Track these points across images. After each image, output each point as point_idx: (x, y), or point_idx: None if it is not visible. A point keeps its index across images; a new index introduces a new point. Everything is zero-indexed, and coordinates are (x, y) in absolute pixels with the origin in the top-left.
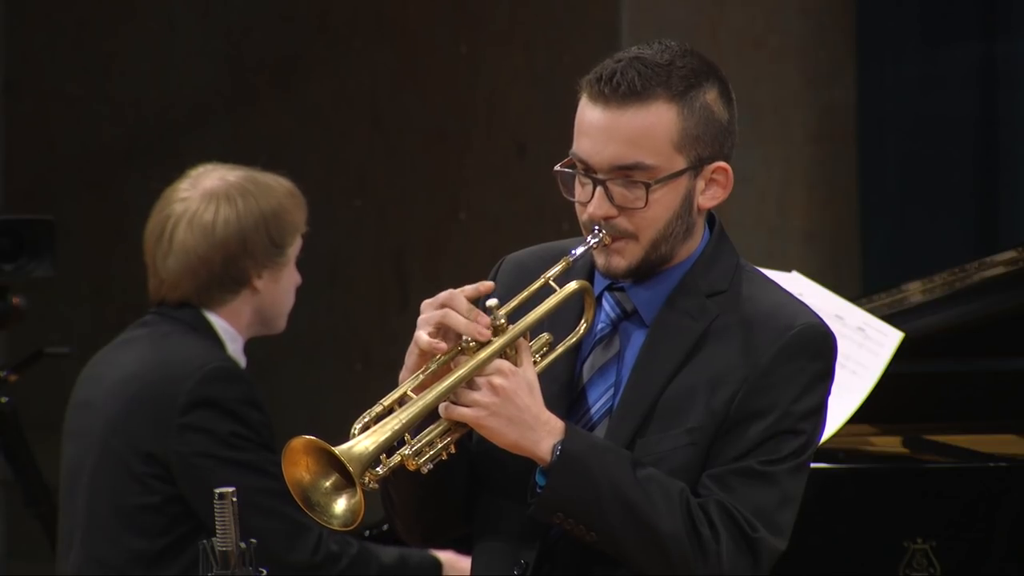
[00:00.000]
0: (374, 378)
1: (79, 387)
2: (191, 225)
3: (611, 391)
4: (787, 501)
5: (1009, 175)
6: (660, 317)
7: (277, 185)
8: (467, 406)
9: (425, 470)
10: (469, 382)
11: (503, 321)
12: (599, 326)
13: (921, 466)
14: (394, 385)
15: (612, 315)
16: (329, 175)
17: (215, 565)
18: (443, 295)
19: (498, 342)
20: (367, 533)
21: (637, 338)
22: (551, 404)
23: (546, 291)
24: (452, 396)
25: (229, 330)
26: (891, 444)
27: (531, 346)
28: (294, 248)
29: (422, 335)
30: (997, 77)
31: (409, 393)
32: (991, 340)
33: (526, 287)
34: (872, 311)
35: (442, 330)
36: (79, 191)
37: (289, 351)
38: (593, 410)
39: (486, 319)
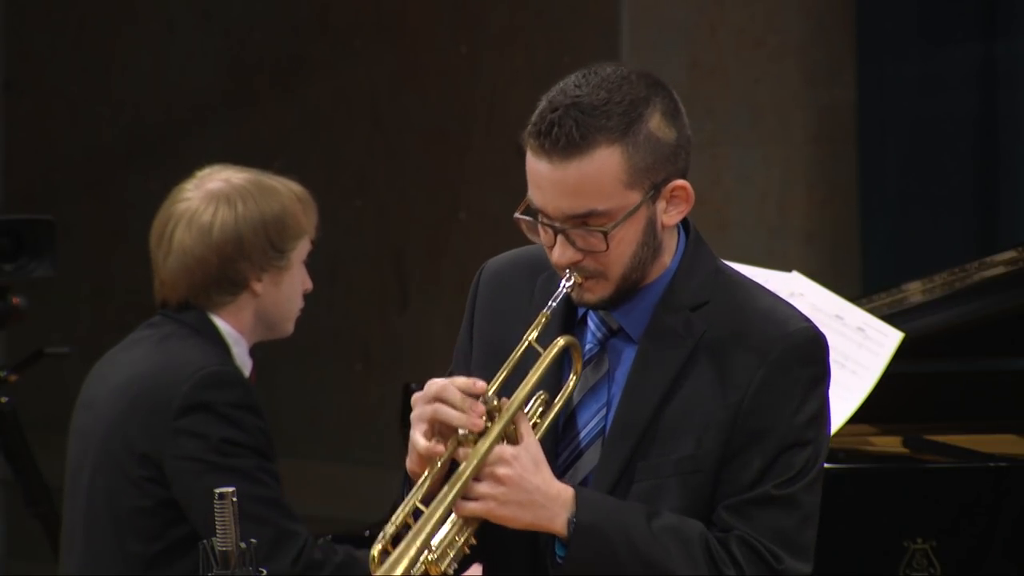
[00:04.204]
0: (374, 378)
1: (85, 387)
2: (189, 226)
3: (603, 411)
4: (807, 520)
5: (1009, 175)
6: (647, 335)
7: (283, 189)
8: (477, 499)
9: (451, 571)
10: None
11: (496, 402)
12: (587, 346)
13: (921, 466)
14: (395, 385)
15: (599, 334)
16: (329, 175)
17: (215, 565)
18: (434, 388)
19: (496, 428)
20: (367, 533)
21: (627, 355)
22: (543, 438)
23: (531, 348)
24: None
25: (232, 333)
26: (891, 444)
27: (527, 412)
28: (298, 252)
29: (419, 439)
30: (997, 77)
31: (419, 505)
32: (991, 340)
33: (505, 300)
34: (872, 311)
35: (436, 425)
36: (79, 191)
37: (289, 351)
38: (583, 434)
39: (480, 407)
